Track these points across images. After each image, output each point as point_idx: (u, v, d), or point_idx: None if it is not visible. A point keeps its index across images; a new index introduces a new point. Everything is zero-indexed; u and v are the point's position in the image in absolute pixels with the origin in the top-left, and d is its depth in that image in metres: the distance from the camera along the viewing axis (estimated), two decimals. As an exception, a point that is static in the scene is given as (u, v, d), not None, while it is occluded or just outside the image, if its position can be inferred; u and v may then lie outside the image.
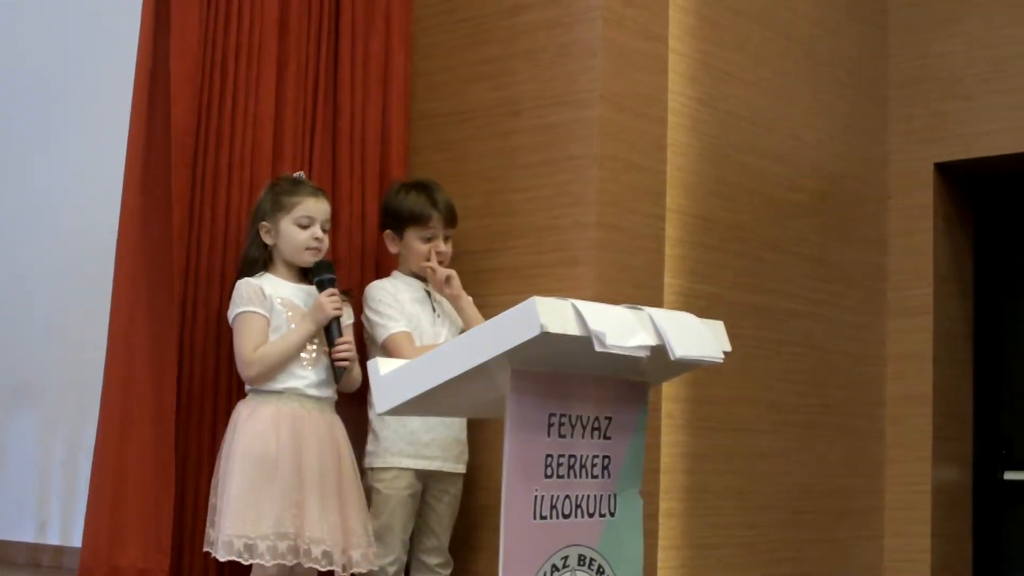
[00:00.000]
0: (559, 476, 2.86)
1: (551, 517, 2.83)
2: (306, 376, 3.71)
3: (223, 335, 3.79)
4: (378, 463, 3.93)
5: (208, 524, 3.62)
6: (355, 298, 4.00)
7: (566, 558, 2.87)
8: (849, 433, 5.25)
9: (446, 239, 4.06)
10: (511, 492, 2.75)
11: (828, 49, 5.24)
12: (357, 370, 3.84)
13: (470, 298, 4.05)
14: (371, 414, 3.96)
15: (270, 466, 3.57)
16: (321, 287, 3.75)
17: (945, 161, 5.46)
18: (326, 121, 4.23)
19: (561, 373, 2.87)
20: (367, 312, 3.98)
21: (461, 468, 4.04)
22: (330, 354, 3.73)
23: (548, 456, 2.84)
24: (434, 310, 4.04)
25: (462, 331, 3.96)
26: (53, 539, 4.75)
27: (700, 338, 2.98)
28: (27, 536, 4.80)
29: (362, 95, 4.28)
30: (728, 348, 3.08)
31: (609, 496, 2.99)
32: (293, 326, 3.72)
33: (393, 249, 4.09)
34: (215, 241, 3.89)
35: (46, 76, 4.99)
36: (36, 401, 4.89)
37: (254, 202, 3.86)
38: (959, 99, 5.42)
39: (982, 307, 5.71)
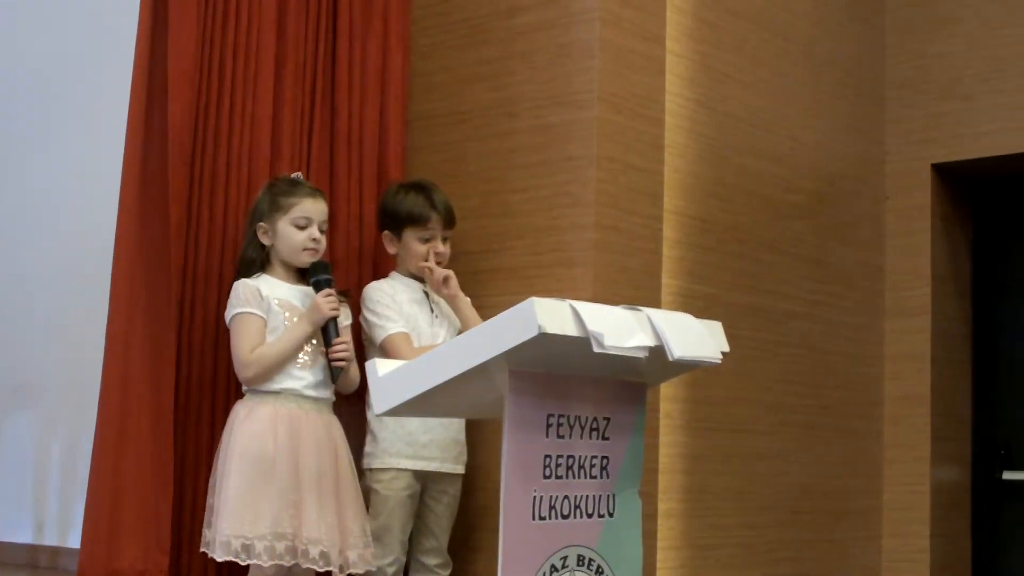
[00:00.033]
0: (558, 477, 2.86)
1: (550, 518, 2.83)
2: (303, 377, 3.71)
3: (221, 335, 3.79)
4: (376, 464, 3.93)
5: (205, 524, 3.62)
6: (353, 299, 4.00)
7: (565, 558, 2.87)
8: (847, 434, 5.26)
9: (444, 240, 4.06)
10: (510, 493, 2.75)
11: (826, 50, 5.24)
12: (355, 371, 3.84)
13: (468, 299, 4.05)
14: (369, 415, 3.96)
15: (267, 466, 3.57)
16: (318, 287, 3.75)
17: (943, 162, 5.46)
18: (324, 121, 4.23)
19: (559, 374, 2.87)
20: (365, 313, 3.98)
21: (460, 469, 4.04)
22: (327, 354, 3.73)
23: (547, 457, 2.84)
24: (432, 311, 4.04)
25: (460, 332, 3.95)
26: (51, 540, 4.74)
27: (698, 339, 2.98)
28: (25, 537, 4.80)
29: (360, 96, 4.28)
30: (726, 349, 3.08)
31: (608, 496, 2.99)
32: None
33: (391, 250, 4.09)
34: (213, 241, 3.89)
35: (46, 76, 4.99)
36: (35, 401, 4.88)
37: (252, 202, 3.86)
38: (957, 100, 5.43)
39: (980, 307, 5.71)
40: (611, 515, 3.00)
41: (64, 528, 4.77)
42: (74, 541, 3.89)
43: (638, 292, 4.10)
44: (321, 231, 3.80)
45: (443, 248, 4.05)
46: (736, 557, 4.64)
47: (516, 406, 2.77)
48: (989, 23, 5.39)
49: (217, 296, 3.84)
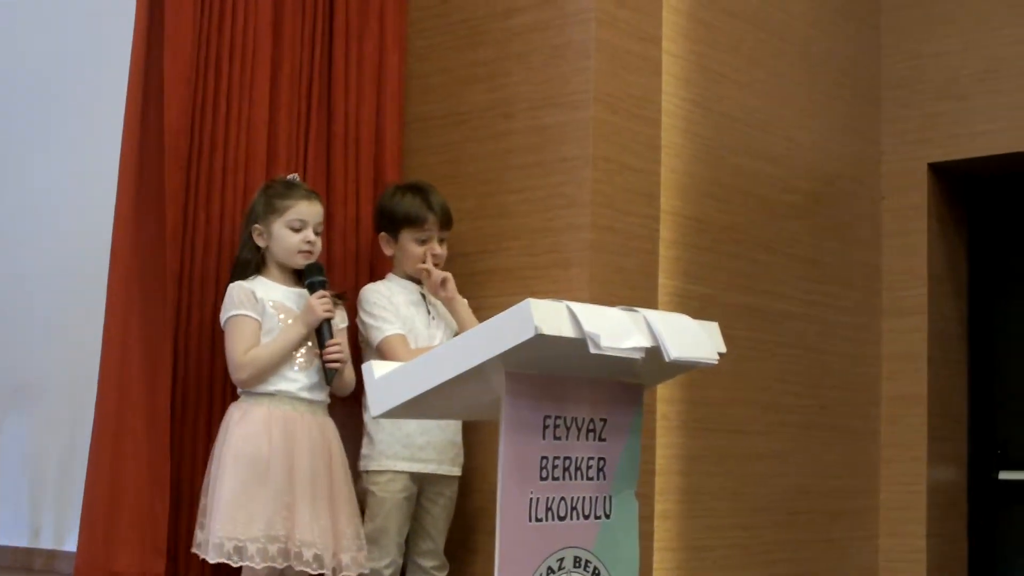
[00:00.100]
0: (554, 478, 2.86)
1: (547, 519, 2.83)
2: (298, 379, 3.71)
3: (217, 338, 3.79)
4: (373, 466, 3.93)
5: (197, 526, 3.62)
6: (349, 301, 3.99)
7: (562, 560, 2.87)
8: (844, 434, 5.26)
9: (441, 241, 4.06)
10: (506, 494, 2.75)
11: (822, 50, 5.24)
12: (349, 373, 3.83)
13: (465, 301, 4.04)
14: (366, 417, 3.96)
15: (261, 468, 3.57)
16: (312, 289, 3.75)
17: (939, 162, 5.46)
18: (320, 123, 4.23)
19: (556, 375, 2.87)
20: (362, 315, 3.98)
21: (456, 471, 4.04)
22: (321, 356, 3.73)
23: (543, 458, 2.84)
24: (429, 312, 4.04)
25: (457, 334, 3.95)
26: (47, 543, 4.73)
27: (695, 340, 2.98)
28: (21, 540, 4.78)
29: (356, 97, 4.28)
30: (723, 349, 3.09)
31: (604, 498, 2.99)
32: (285, 329, 3.73)
33: (388, 251, 4.09)
34: (209, 243, 3.88)
35: (46, 76, 4.98)
36: (34, 402, 4.87)
37: (248, 204, 3.86)
38: (953, 99, 5.43)
39: (976, 307, 5.71)
40: (608, 516, 3.00)
41: (60, 531, 4.76)
42: (70, 544, 3.88)
43: (634, 293, 4.10)
44: (316, 233, 3.80)
45: (440, 249, 4.05)
46: (732, 558, 4.64)
47: (513, 408, 2.77)
48: (985, 23, 5.39)
49: (213, 299, 3.83)
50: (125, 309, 3.67)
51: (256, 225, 3.78)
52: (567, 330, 2.69)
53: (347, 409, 3.97)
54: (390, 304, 3.97)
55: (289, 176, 3.89)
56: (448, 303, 4.02)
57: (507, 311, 2.68)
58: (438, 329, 4.03)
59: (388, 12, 4.39)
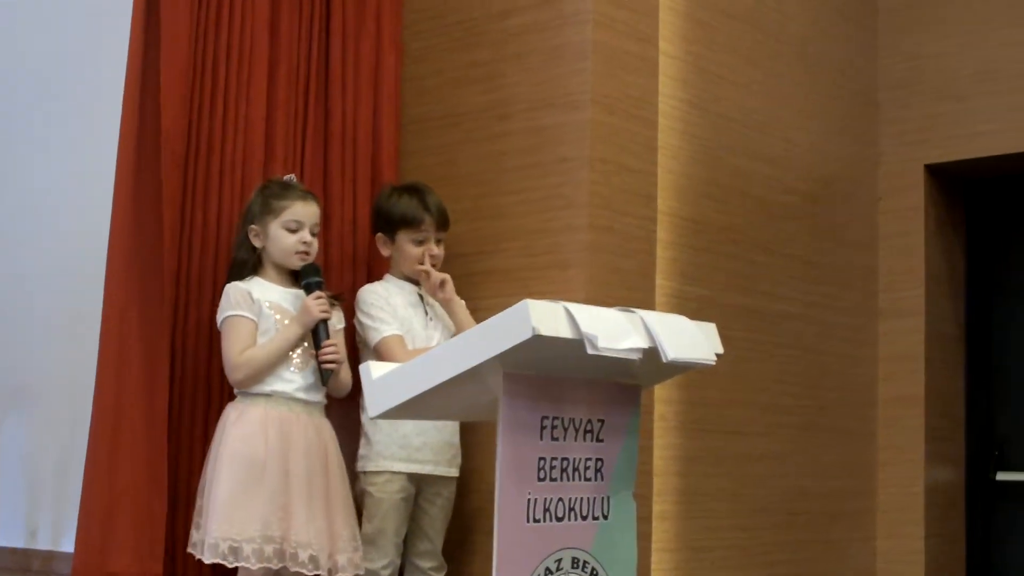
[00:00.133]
0: (552, 479, 2.86)
1: (544, 520, 2.83)
2: (294, 379, 3.71)
3: (215, 339, 3.79)
4: (370, 467, 3.92)
5: (193, 526, 3.62)
6: (347, 302, 3.99)
7: (559, 561, 2.86)
8: (842, 435, 5.25)
9: (438, 242, 4.06)
10: (504, 495, 2.75)
11: (819, 51, 5.24)
12: (346, 374, 3.83)
13: (463, 302, 4.04)
14: (363, 417, 3.96)
15: (257, 469, 3.57)
16: (308, 290, 3.75)
17: (936, 163, 5.46)
18: (317, 124, 4.23)
19: (553, 376, 2.87)
20: (359, 316, 3.98)
21: (454, 472, 4.03)
22: (317, 357, 3.73)
23: (541, 459, 2.84)
24: (427, 313, 4.04)
25: (454, 335, 3.95)
26: (44, 545, 4.72)
27: (692, 340, 2.98)
28: (18, 541, 4.77)
29: (353, 98, 4.28)
30: (720, 350, 3.09)
31: (602, 499, 2.99)
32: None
33: (385, 252, 4.09)
34: (207, 243, 3.88)
35: (46, 76, 4.97)
36: (33, 403, 4.86)
37: (245, 205, 3.86)
38: (950, 100, 5.43)
39: (974, 308, 5.71)
40: (605, 517, 3.00)
41: (58, 532, 4.75)
42: (68, 545, 3.87)
43: (632, 294, 4.10)
44: (313, 234, 3.80)
45: (437, 250, 4.05)
46: (731, 559, 4.64)
47: (510, 408, 2.77)
48: (983, 24, 5.39)
49: (211, 299, 3.83)
50: (123, 309, 3.67)
51: (253, 226, 3.78)
52: (564, 331, 2.69)
53: (344, 410, 3.97)
54: (388, 305, 3.97)
55: (286, 177, 3.89)
56: (446, 305, 4.02)
57: (504, 312, 2.68)
58: (436, 330, 4.03)
59: (384, 13, 4.39)
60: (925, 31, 5.50)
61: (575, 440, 2.92)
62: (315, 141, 4.21)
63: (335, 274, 4.12)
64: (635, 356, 2.79)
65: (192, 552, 3.59)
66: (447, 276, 4.00)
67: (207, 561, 3.51)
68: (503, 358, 2.70)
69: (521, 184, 4.19)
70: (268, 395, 3.67)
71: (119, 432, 3.63)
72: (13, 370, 4.95)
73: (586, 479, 2.95)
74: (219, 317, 3.72)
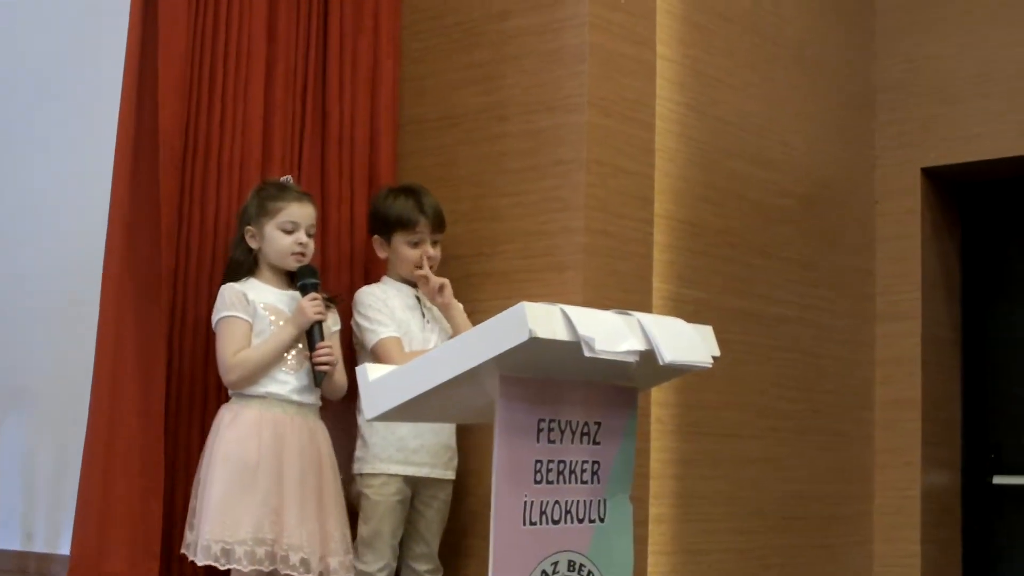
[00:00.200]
0: (549, 482, 2.86)
1: (541, 523, 2.83)
2: (288, 381, 3.70)
3: (212, 340, 3.78)
4: (367, 469, 3.92)
5: (187, 526, 3.61)
6: (344, 303, 3.99)
7: (556, 564, 2.86)
8: (838, 438, 5.25)
9: (434, 243, 4.05)
10: (500, 498, 2.75)
11: (816, 54, 5.24)
12: (340, 376, 3.82)
13: (461, 306, 4.04)
14: (360, 420, 3.95)
15: (250, 471, 3.56)
16: (304, 291, 3.74)
17: (933, 166, 5.46)
18: (315, 125, 4.22)
19: (550, 379, 2.87)
20: (357, 317, 3.98)
21: (450, 474, 4.03)
22: (310, 358, 3.72)
23: (537, 462, 2.83)
24: (424, 316, 4.04)
25: (451, 338, 3.95)
26: (40, 547, 4.72)
27: (689, 343, 2.98)
28: (13, 543, 4.77)
29: (351, 99, 4.28)
30: (717, 353, 3.09)
31: (599, 502, 2.99)
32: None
33: (382, 254, 4.09)
34: (204, 244, 3.88)
35: (46, 76, 4.97)
36: (31, 404, 4.85)
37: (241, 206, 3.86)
38: (947, 103, 5.43)
39: (970, 311, 5.72)
40: (602, 520, 2.99)
41: (54, 534, 4.74)
42: (64, 547, 3.87)
43: (629, 296, 4.10)
44: (309, 235, 3.79)
45: (434, 251, 4.04)
46: (727, 562, 4.63)
47: (507, 411, 2.77)
48: (979, 27, 5.39)
49: (208, 301, 3.82)
50: (119, 310, 3.67)
51: (249, 227, 3.78)
52: (561, 333, 2.69)
53: (341, 412, 3.96)
54: (385, 307, 3.96)
55: (282, 178, 3.89)
56: (445, 309, 4.02)
57: (501, 314, 2.68)
58: (433, 332, 4.02)
59: (382, 14, 4.38)
60: (922, 34, 5.50)
61: (572, 443, 2.92)
62: (313, 141, 4.20)
63: (333, 275, 4.11)
64: (632, 359, 2.79)
65: (186, 553, 3.58)
66: (446, 281, 4.00)
67: (199, 563, 3.51)
68: (500, 360, 2.70)
69: (518, 186, 4.19)
70: (262, 397, 3.67)
71: (115, 434, 3.63)
72: (11, 371, 4.94)
73: (583, 482, 2.95)
74: (214, 318, 3.72)
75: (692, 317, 3.30)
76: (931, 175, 5.49)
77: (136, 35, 3.73)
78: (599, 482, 2.99)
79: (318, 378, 3.72)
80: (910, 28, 5.53)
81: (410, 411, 2.93)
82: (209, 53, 3.93)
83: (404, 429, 3.89)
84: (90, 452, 3.62)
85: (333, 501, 3.72)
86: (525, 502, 2.79)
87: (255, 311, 3.71)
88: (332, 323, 3.83)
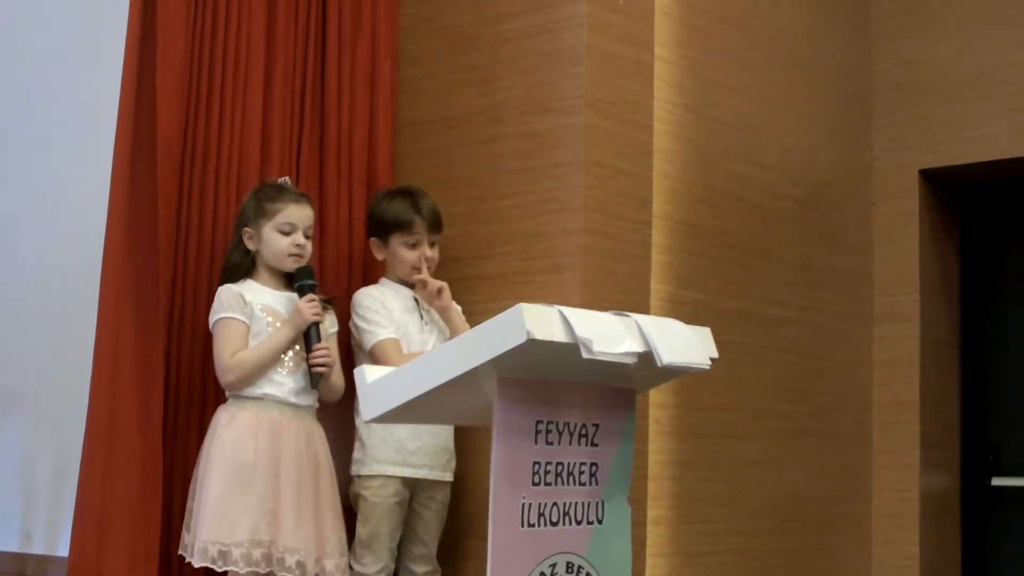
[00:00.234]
0: (547, 483, 2.86)
1: (539, 525, 2.83)
2: (285, 383, 3.70)
3: (210, 343, 3.78)
4: (365, 471, 3.92)
5: (184, 528, 3.62)
6: (342, 305, 3.99)
7: (554, 566, 2.86)
8: (836, 440, 5.25)
9: (431, 245, 4.05)
10: (498, 500, 2.74)
11: (813, 56, 5.24)
12: (338, 378, 3.82)
13: (459, 308, 4.04)
14: (358, 421, 3.95)
15: (247, 473, 3.57)
16: (301, 292, 3.74)
17: (930, 167, 5.46)
18: (313, 128, 4.22)
19: (548, 380, 2.87)
20: (355, 319, 3.97)
21: (448, 476, 4.03)
22: (308, 360, 3.72)
23: (536, 463, 2.83)
24: (422, 317, 4.03)
25: (450, 339, 3.95)
26: (39, 549, 4.72)
27: (687, 345, 2.97)
28: (12, 545, 4.77)
29: (349, 101, 4.28)
30: (715, 355, 3.09)
31: (597, 503, 2.98)
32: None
33: (379, 256, 4.09)
34: (202, 248, 3.88)
35: (45, 76, 4.97)
36: (30, 406, 4.85)
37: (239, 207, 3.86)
38: (944, 105, 5.43)
39: (968, 313, 5.72)
40: (600, 522, 2.99)
41: (53, 536, 4.74)
42: (63, 549, 3.87)
43: (627, 298, 4.10)
44: (306, 237, 3.79)
45: (431, 253, 4.04)
46: (726, 564, 4.63)
47: (505, 412, 2.77)
48: (976, 28, 5.40)
49: (206, 303, 3.82)
50: (118, 312, 3.67)
51: (246, 228, 3.78)
52: (559, 335, 2.69)
53: (339, 413, 3.96)
54: (383, 308, 3.96)
55: (280, 179, 3.89)
56: (443, 312, 4.02)
57: (499, 316, 2.68)
58: (431, 334, 4.02)
59: (380, 17, 4.39)
60: (920, 36, 5.51)
61: (570, 444, 2.92)
62: (311, 144, 4.20)
63: (331, 277, 4.12)
64: (630, 360, 2.78)
65: (183, 554, 3.59)
66: (444, 284, 4.00)
67: (196, 565, 3.52)
68: (498, 362, 2.70)
69: (516, 188, 4.19)
70: (259, 398, 3.67)
71: (114, 435, 3.62)
72: (10, 372, 4.94)
73: (581, 483, 2.94)
74: (211, 319, 3.72)
75: (690, 318, 3.30)
76: (929, 177, 5.49)
77: (135, 37, 3.73)
78: (597, 484, 2.98)
79: (315, 380, 3.72)
80: (908, 30, 5.54)
81: (408, 413, 2.93)
82: (208, 55, 3.93)
83: (402, 431, 3.89)
84: (89, 453, 3.62)
85: (330, 503, 3.72)
86: (523, 504, 2.79)
87: (252, 312, 3.71)
88: (329, 325, 3.83)
